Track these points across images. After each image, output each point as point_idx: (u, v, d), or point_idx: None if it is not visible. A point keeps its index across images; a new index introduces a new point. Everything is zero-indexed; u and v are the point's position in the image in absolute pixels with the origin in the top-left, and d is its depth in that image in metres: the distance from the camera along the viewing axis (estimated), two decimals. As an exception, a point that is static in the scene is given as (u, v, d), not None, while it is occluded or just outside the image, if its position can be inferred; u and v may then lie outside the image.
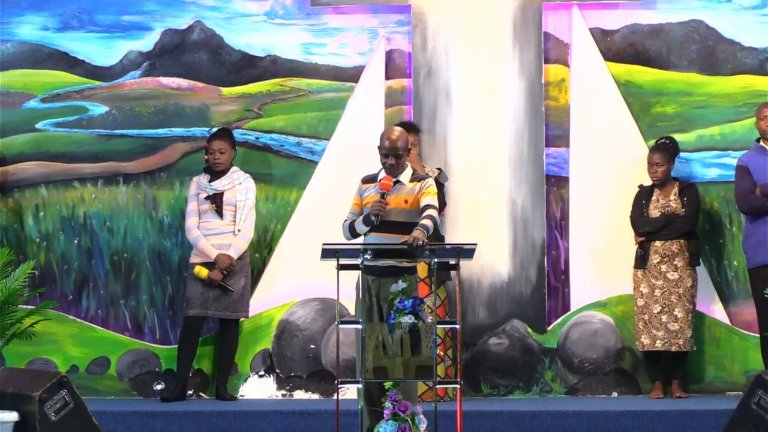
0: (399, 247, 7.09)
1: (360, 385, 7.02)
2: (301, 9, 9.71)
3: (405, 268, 7.31)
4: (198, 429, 8.40)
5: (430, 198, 7.38)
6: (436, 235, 9.06)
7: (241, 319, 9.39)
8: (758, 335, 9.24)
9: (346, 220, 7.51)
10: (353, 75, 9.67)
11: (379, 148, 7.46)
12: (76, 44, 9.79)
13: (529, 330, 9.49)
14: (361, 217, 7.43)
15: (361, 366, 6.95)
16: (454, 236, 9.34)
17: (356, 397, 7.38)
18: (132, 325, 9.64)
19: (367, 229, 7.37)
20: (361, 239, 7.46)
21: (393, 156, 7.40)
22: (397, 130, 7.48)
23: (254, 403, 9.13)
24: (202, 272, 9.13)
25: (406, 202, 7.38)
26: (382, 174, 7.46)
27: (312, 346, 9.57)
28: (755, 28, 9.57)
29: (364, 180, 7.58)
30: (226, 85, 9.74)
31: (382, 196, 7.33)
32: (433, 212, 7.30)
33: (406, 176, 7.47)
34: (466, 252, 7.08)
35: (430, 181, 7.47)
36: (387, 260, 7.22)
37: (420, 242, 7.02)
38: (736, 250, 9.46)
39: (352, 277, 7.35)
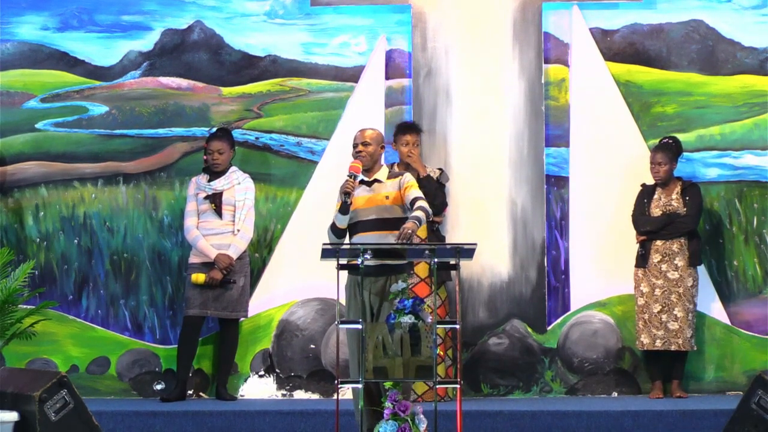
0: (393, 246, 7.14)
1: (359, 386, 7.03)
2: (301, 9, 9.71)
3: (395, 267, 7.37)
4: (198, 429, 8.41)
5: (416, 191, 7.53)
6: (437, 235, 9.07)
7: (241, 319, 9.39)
8: (758, 335, 9.25)
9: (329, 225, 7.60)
10: (353, 75, 9.66)
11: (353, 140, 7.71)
12: (76, 44, 9.78)
13: (529, 330, 9.49)
14: (336, 211, 7.50)
15: (360, 366, 6.94)
16: (454, 236, 9.34)
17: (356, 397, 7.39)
18: (132, 325, 9.63)
19: (346, 218, 7.48)
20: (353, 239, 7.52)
21: (361, 144, 7.59)
22: (372, 129, 7.71)
23: (254, 403, 9.12)
24: (200, 278, 9.12)
25: (387, 198, 7.51)
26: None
27: (312, 346, 9.57)
28: (755, 28, 9.57)
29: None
30: (226, 85, 9.74)
31: (350, 176, 7.44)
32: (423, 203, 7.44)
33: (382, 174, 7.63)
34: (466, 252, 7.08)
35: (409, 176, 7.63)
36: (377, 259, 7.26)
37: (409, 231, 7.13)
38: (736, 250, 9.46)
39: (352, 277, 7.37)
